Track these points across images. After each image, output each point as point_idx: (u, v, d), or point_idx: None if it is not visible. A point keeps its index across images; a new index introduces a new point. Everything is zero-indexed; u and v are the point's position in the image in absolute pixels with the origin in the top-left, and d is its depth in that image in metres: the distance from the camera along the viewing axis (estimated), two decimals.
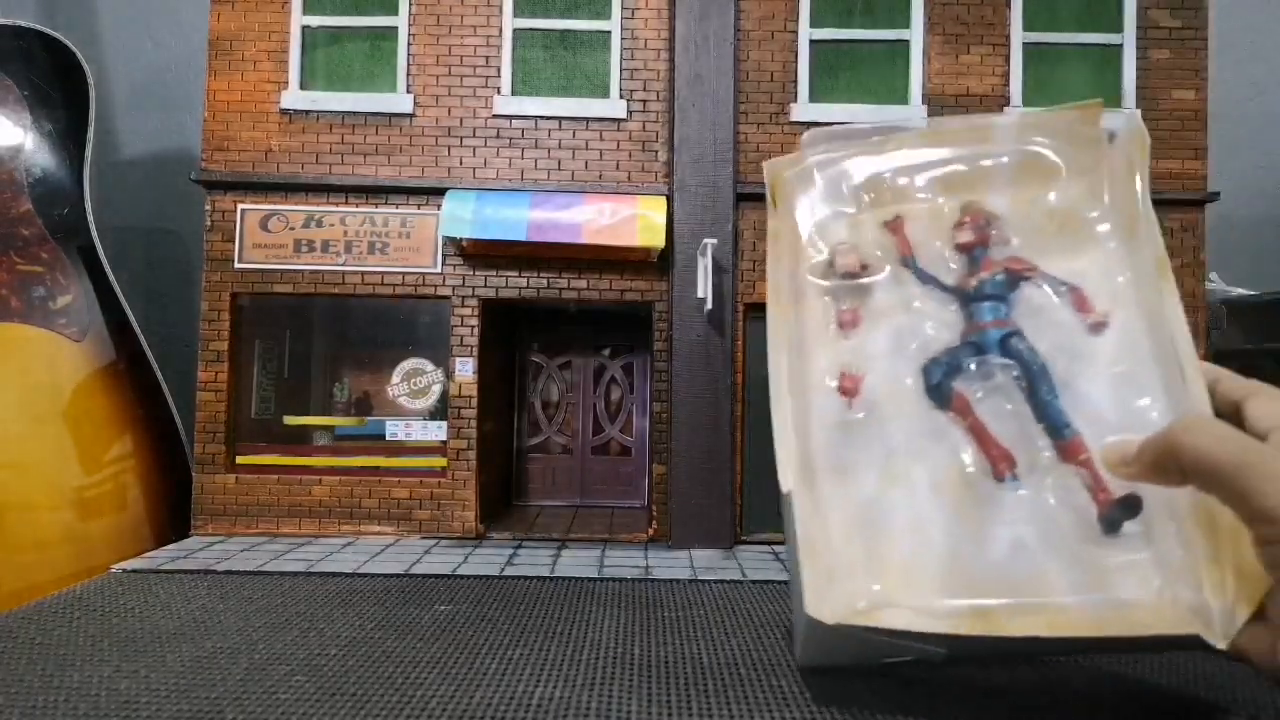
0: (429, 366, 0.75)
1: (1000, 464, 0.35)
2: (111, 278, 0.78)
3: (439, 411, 0.73)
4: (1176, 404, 0.32)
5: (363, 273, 0.70)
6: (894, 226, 0.39)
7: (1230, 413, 0.30)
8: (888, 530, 0.34)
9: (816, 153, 0.40)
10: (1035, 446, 0.35)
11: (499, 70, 0.72)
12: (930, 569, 0.33)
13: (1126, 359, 0.35)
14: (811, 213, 0.39)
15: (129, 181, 1.06)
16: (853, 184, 0.39)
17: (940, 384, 0.36)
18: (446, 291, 0.70)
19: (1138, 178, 0.36)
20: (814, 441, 0.36)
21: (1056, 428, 0.34)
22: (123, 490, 0.74)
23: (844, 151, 0.40)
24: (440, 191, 0.69)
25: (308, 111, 0.71)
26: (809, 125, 0.69)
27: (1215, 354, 0.75)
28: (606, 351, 0.89)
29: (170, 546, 0.64)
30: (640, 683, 0.36)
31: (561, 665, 0.38)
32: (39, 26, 0.80)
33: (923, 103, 0.71)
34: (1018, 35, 0.71)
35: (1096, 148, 0.37)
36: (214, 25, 0.72)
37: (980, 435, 0.35)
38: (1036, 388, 0.35)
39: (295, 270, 0.70)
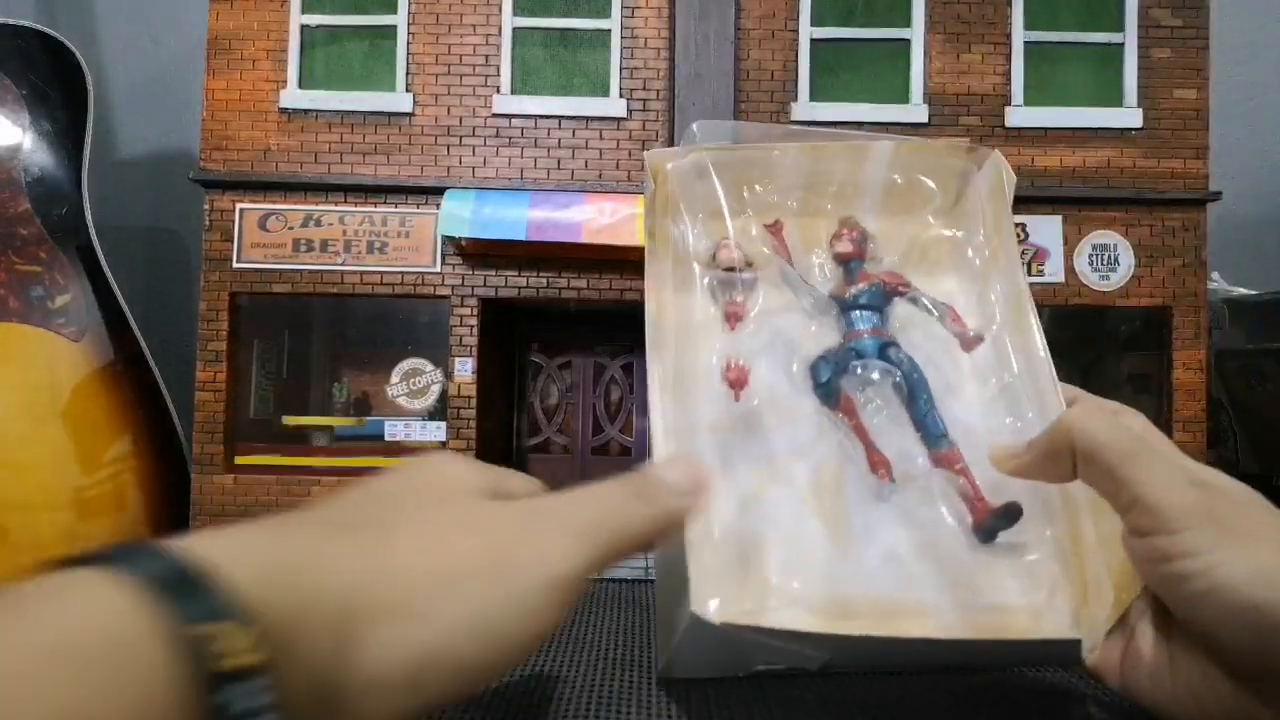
0: (428, 366, 0.74)
1: (879, 468, 0.34)
2: (110, 277, 0.78)
3: (438, 411, 0.73)
4: (1043, 422, 0.33)
5: (362, 272, 0.70)
6: (774, 229, 0.39)
7: None
8: (770, 530, 0.33)
9: (701, 147, 0.39)
10: (912, 454, 0.35)
11: (499, 69, 0.71)
12: (810, 570, 0.32)
13: (996, 377, 0.36)
14: (694, 206, 0.39)
15: (128, 181, 1.05)
16: (736, 182, 0.39)
17: (829, 382, 0.36)
18: (446, 291, 0.70)
19: (1001, 211, 0.37)
20: (699, 436, 0.35)
21: (934, 437, 0.35)
22: (122, 490, 0.73)
23: (729, 149, 0.39)
24: (440, 191, 0.69)
25: (307, 111, 0.71)
26: (810, 124, 0.69)
27: (1217, 353, 0.75)
28: (606, 351, 0.89)
29: None
30: (640, 684, 0.36)
31: (561, 667, 0.38)
32: (38, 26, 0.79)
33: (924, 102, 0.71)
34: (1019, 34, 0.71)
35: (964, 179, 0.39)
36: (213, 24, 0.71)
37: (863, 438, 0.35)
38: (916, 397, 0.35)
39: (294, 270, 0.70)
